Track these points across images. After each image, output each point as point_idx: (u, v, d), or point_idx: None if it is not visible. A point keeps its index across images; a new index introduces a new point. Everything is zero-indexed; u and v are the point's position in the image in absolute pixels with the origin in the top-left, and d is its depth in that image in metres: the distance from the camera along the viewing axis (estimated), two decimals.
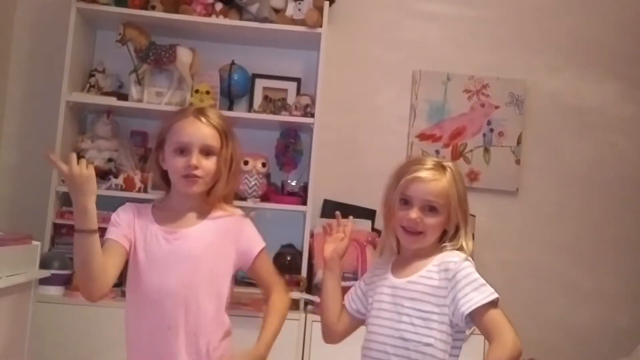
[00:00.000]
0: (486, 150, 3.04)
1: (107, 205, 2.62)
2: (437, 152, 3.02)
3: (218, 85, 2.80)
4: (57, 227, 2.62)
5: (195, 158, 1.62)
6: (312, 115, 2.72)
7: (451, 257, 1.52)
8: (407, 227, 1.56)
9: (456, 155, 3.03)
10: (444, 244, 1.57)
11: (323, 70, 2.74)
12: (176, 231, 1.65)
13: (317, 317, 2.47)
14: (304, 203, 2.71)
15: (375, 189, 2.94)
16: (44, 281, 2.22)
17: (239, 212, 1.75)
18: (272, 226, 2.88)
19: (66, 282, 2.46)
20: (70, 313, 2.31)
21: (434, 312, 1.49)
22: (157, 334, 1.62)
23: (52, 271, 2.30)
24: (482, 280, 1.49)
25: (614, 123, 3.14)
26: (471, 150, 3.04)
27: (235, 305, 2.40)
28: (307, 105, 2.76)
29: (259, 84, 2.92)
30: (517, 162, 3.04)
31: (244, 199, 2.67)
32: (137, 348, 1.65)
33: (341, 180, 3.00)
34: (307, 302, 2.59)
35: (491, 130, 3.04)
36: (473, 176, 3.03)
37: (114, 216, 1.70)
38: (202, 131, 1.65)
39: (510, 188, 3.05)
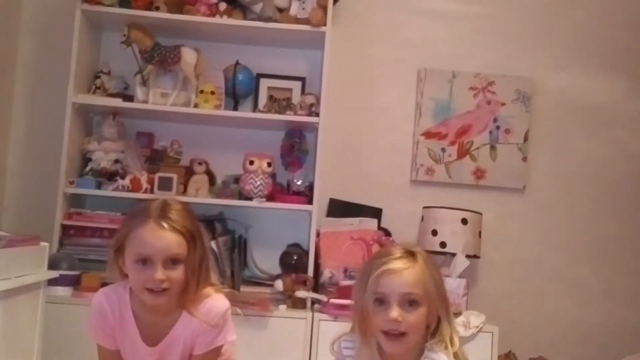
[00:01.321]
0: (492, 147, 3.03)
1: (115, 206, 2.67)
2: (443, 150, 3.01)
3: (223, 85, 2.81)
4: (65, 229, 2.63)
5: (160, 272, 1.48)
6: (317, 115, 2.72)
7: None
8: (389, 330, 1.39)
9: (462, 153, 3.02)
10: (427, 342, 1.43)
11: (328, 69, 2.73)
12: (155, 342, 1.58)
13: (324, 316, 2.50)
14: (310, 202, 2.71)
15: (381, 188, 3.01)
16: (52, 282, 2.23)
17: (219, 307, 1.59)
18: (279, 226, 2.92)
19: (75, 282, 2.47)
20: (79, 313, 2.31)
21: None
22: None
23: (61, 272, 2.31)
24: None
25: (622, 120, 3.11)
26: (477, 148, 3.03)
27: (242, 305, 2.42)
28: (312, 105, 2.76)
29: (264, 83, 2.92)
30: (524, 159, 3.03)
31: (250, 198, 2.67)
32: None
33: (347, 179, 3.00)
34: (313, 301, 2.59)
35: (497, 127, 3.02)
36: (479, 174, 3.02)
37: (93, 315, 1.60)
38: (165, 240, 1.50)
39: (517, 186, 3.04)
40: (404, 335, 1.39)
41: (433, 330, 1.44)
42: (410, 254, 1.44)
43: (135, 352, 1.60)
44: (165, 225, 1.52)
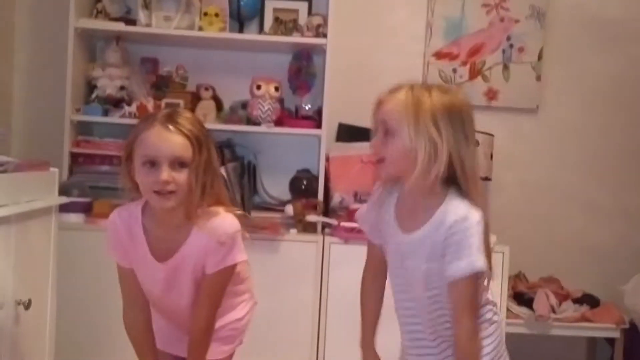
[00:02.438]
0: (505, 67, 2.96)
1: (122, 133, 2.65)
2: (455, 70, 2.94)
3: (227, 7, 2.73)
4: (73, 157, 2.63)
5: (166, 172, 1.49)
6: (325, 36, 2.65)
7: (455, 210, 1.36)
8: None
9: (474, 73, 2.95)
10: (450, 190, 1.38)
11: None
12: (166, 258, 1.59)
13: (335, 239, 2.51)
14: (319, 127, 2.68)
15: None
16: (64, 209, 2.24)
17: (227, 225, 1.59)
18: (288, 151, 2.90)
19: (86, 209, 2.49)
20: (92, 239, 2.35)
21: (434, 267, 1.39)
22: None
23: (72, 198, 2.32)
24: (474, 249, 1.34)
25: (639, 36, 3.01)
26: (490, 68, 2.96)
27: (252, 229, 2.43)
28: (319, 25, 2.68)
29: (269, 5, 2.84)
30: (538, 78, 2.96)
31: (258, 124, 2.65)
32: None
33: (356, 103, 2.91)
34: (324, 225, 2.60)
35: (511, 46, 2.95)
36: (492, 95, 2.96)
37: (108, 233, 1.64)
38: (170, 142, 1.50)
39: (531, 106, 2.99)
40: (383, 161, 1.41)
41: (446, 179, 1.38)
42: (408, 86, 1.40)
43: (147, 269, 1.62)
44: (171, 127, 1.52)
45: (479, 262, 1.34)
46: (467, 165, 1.38)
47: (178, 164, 1.51)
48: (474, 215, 1.36)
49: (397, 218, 1.46)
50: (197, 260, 1.59)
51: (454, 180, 1.39)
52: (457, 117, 1.38)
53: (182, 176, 1.51)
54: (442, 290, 1.40)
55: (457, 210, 1.36)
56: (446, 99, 1.38)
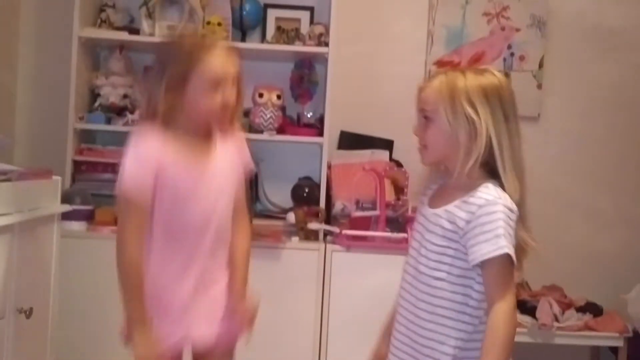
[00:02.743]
0: (506, 75, 2.95)
1: (124, 141, 2.65)
2: None
3: (229, 16, 2.75)
4: (76, 164, 2.65)
5: (231, 91, 1.58)
6: (327, 45, 2.67)
7: (483, 195, 1.34)
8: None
9: None
10: (488, 179, 1.37)
11: None
12: (201, 164, 1.61)
13: (337, 247, 2.52)
14: (321, 135, 2.69)
15: (392, 119, 2.96)
16: (67, 217, 2.25)
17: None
18: (290, 159, 2.91)
19: (89, 217, 2.50)
20: (94, 247, 2.36)
21: (450, 247, 1.36)
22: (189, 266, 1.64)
23: (75, 206, 2.33)
24: (501, 230, 1.31)
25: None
26: None
27: (254, 236, 2.43)
28: (321, 35, 2.70)
29: (271, 14, 2.86)
30: (539, 86, 2.97)
31: (260, 131, 2.66)
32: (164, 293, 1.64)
33: (358, 110, 2.96)
34: (326, 233, 2.61)
35: (512, 54, 2.96)
36: None
37: (143, 153, 1.56)
38: (232, 61, 1.60)
39: (532, 114, 2.99)
40: (425, 147, 1.43)
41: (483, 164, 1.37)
42: (442, 73, 1.42)
43: (188, 172, 1.59)
44: (221, 48, 1.61)
45: (505, 247, 1.31)
46: (505, 147, 1.36)
47: (234, 81, 1.60)
48: (504, 203, 1.34)
49: (430, 197, 1.47)
50: (233, 157, 1.67)
51: (494, 173, 1.38)
52: (494, 96, 1.37)
53: (235, 91, 1.60)
54: (450, 277, 1.37)
55: (487, 195, 1.35)
56: (481, 80, 1.38)
